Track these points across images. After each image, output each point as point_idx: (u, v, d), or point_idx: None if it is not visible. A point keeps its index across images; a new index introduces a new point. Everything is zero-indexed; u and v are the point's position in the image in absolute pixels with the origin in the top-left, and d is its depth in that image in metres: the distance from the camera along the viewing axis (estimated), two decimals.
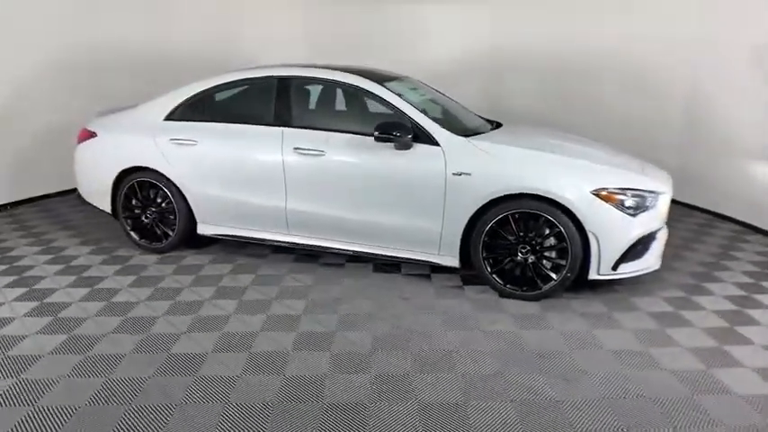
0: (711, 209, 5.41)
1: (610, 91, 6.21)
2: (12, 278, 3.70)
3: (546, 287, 3.34)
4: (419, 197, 3.48)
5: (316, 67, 3.97)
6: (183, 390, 2.46)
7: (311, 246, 3.87)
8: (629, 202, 3.20)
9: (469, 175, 3.34)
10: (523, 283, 3.40)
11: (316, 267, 3.93)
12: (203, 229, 4.11)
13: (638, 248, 3.30)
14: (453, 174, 3.37)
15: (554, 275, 3.31)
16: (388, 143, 3.46)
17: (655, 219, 3.31)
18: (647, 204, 3.25)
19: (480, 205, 3.33)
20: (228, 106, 4.06)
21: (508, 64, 7.07)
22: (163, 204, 4.14)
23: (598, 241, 3.20)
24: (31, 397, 2.40)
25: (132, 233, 4.25)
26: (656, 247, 3.42)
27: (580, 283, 3.40)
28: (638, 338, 2.96)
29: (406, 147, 3.46)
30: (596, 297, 3.45)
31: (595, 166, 3.34)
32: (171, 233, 4.15)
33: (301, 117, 3.82)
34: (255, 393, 2.44)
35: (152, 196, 4.15)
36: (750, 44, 4.76)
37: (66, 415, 2.28)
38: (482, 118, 4.36)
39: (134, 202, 4.22)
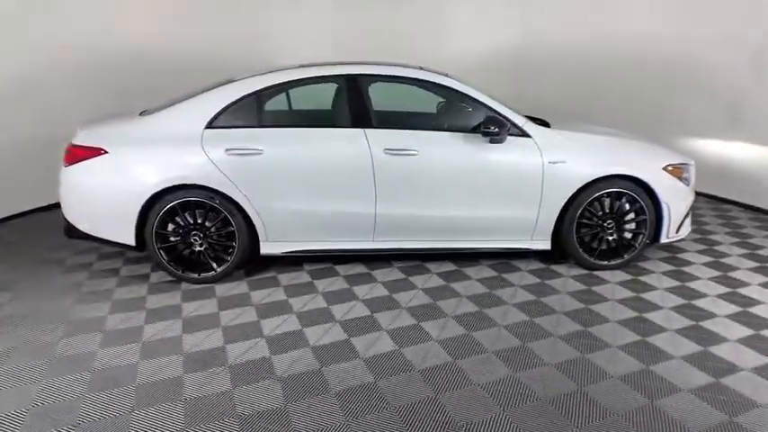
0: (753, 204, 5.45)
1: (635, 88, 6.30)
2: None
3: (629, 256, 3.81)
4: (517, 187, 3.64)
5: (381, 64, 3.79)
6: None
7: (395, 249, 3.75)
8: (685, 174, 3.84)
9: (564, 162, 3.62)
10: (609, 255, 3.82)
11: (393, 269, 3.82)
12: (268, 248, 3.64)
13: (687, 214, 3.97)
14: (550, 162, 3.61)
15: (635, 244, 3.80)
16: (484, 138, 3.55)
17: (694, 188, 4.01)
18: (690, 176, 3.93)
19: (576, 189, 3.64)
20: (289, 109, 3.65)
21: (538, 62, 7.09)
22: (212, 228, 3.55)
23: (669, 210, 3.76)
24: None
25: (171, 266, 3.56)
26: (690, 214, 4.13)
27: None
28: (718, 283, 3.61)
29: (501, 141, 3.58)
30: (656, 260, 4.04)
31: (658, 148, 3.92)
32: (227, 258, 3.59)
33: (381, 117, 3.65)
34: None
35: (196, 219, 3.53)
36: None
37: None
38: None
39: (170, 227, 3.53)
